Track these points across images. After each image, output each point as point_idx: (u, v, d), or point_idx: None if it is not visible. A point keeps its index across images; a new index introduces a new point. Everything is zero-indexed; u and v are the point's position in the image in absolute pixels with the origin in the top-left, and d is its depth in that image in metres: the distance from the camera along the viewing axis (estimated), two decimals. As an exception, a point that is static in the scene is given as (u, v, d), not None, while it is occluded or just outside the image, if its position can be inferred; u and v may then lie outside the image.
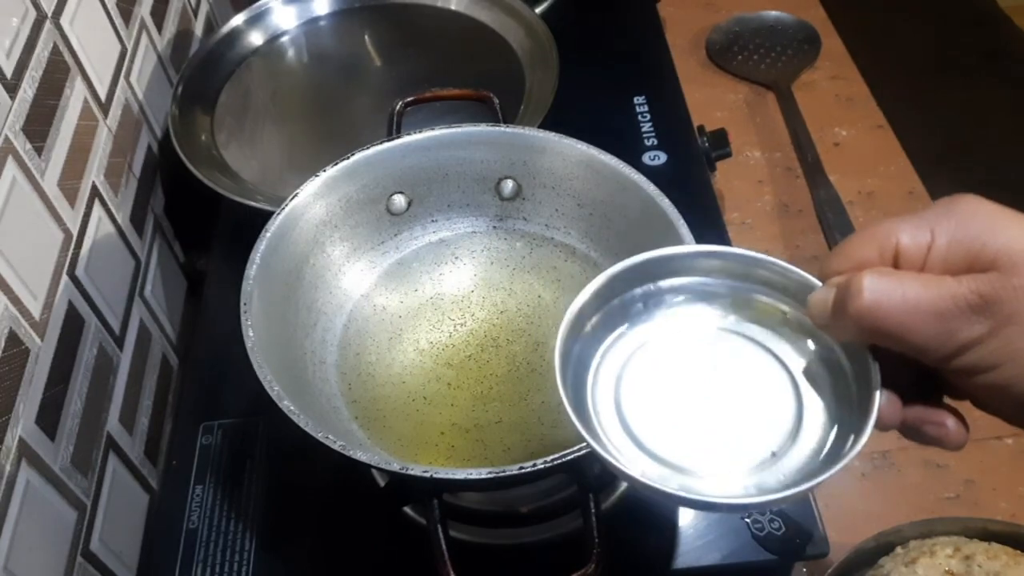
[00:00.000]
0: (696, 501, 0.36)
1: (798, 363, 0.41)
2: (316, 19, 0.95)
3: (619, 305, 0.43)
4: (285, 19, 0.94)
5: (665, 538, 0.59)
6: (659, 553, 0.58)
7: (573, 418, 0.37)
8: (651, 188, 0.58)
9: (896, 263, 0.36)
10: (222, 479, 0.64)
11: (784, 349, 0.41)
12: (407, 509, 0.60)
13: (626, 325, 0.43)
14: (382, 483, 0.61)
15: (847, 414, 0.38)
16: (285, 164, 0.82)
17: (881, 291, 0.34)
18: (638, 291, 0.43)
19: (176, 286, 0.85)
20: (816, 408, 0.39)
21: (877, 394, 0.36)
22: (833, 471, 0.35)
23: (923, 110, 1.05)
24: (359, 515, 0.62)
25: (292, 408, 0.47)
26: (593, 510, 0.46)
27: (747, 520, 0.58)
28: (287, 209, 0.57)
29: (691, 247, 0.43)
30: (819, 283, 0.38)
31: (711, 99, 1.07)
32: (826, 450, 0.38)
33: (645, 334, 0.43)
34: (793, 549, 0.57)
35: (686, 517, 0.60)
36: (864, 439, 0.35)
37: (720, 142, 0.88)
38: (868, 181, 0.96)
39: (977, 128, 1.03)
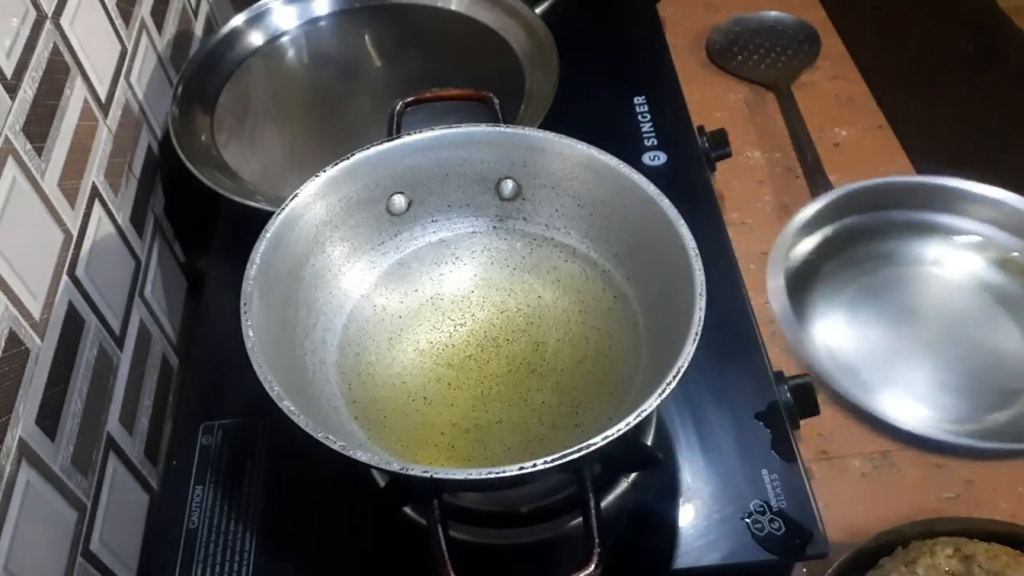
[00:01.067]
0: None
1: None
2: (316, 19, 0.95)
3: None
4: (285, 19, 0.94)
5: (665, 538, 0.59)
6: (659, 553, 0.58)
7: None
8: (651, 188, 0.58)
9: None
10: (222, 479, 0.64)
11: None
12: (407, 509, 0.60)
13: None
14: (382, 483, 0.61)
15: None
16: (285, 164, 0.82)
17: None
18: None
19: (176, 286, 0.85)
20: None
21: None
22: None
23: (923, 110, 1.05)
24: (359, 515, 0.62)
25: (292, 408, 0.47)
26: (593, 510, 0.46)
27: (747, 520, 0.58)
28: (287, 210, 0.57)
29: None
30: None
31: (711, 99, 1.07)
32: None
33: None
34: (793, 549, 0.57)
35: (686, 517, 0.60)
36: None
37: (720, 142, 0.88)
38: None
39: (977, 128, 1.03)
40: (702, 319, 0.50)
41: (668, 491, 0.61)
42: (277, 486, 0.64)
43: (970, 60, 1.11)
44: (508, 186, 0.65)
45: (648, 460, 0.60)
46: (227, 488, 0.63)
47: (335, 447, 0.45)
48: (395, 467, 0.45)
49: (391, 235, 0.65)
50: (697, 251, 0.54)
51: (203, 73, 0.88)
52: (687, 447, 0.63)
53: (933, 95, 1.06)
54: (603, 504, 0.60)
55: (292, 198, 0.58)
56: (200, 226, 0.84)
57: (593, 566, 0.44)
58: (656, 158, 0.84)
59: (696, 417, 0.64)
